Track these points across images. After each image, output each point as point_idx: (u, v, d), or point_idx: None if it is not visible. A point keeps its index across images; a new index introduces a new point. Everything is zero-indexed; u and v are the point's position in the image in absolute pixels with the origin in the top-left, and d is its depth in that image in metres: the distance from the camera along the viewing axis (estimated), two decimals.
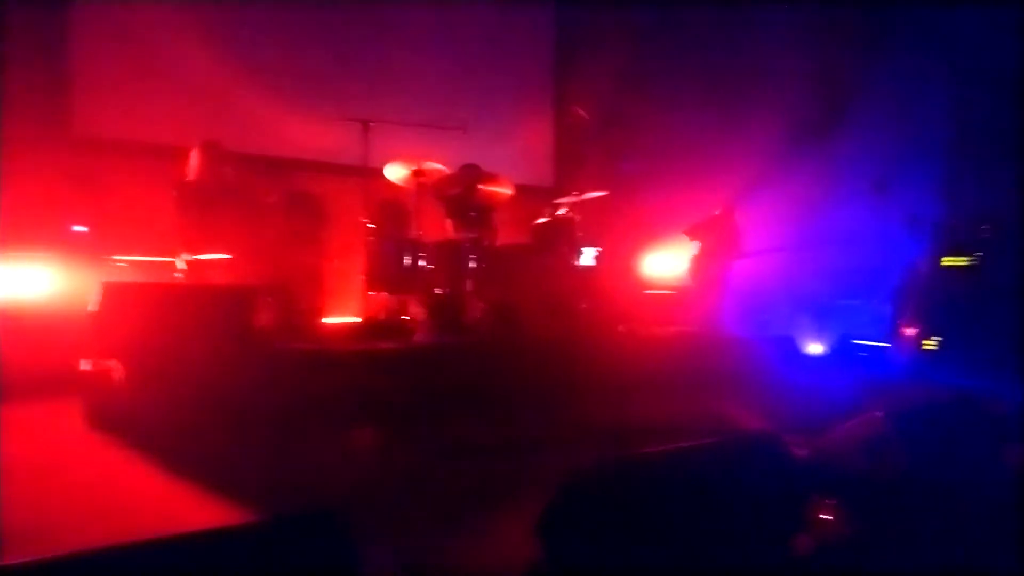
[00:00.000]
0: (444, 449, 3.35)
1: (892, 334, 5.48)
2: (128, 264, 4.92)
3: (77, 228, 5.03)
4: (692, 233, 6.50)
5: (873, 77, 6.71)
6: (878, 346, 5.75)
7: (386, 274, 4.92)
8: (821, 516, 1.89)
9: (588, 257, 5.81)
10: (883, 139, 6.53)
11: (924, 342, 5.27)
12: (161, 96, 5.66)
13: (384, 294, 5.10)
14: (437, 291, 4.95)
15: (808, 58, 6.99)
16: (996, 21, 5.65)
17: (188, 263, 4.34)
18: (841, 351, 5.97)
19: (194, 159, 4.53)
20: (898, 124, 6.47)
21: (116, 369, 3.44)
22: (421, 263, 4.92)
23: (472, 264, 4.92)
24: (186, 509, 2.53)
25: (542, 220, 5.73)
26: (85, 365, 3.54)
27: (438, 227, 5.52)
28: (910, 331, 5.27)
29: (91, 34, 5.48)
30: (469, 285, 4.90)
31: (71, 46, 5.41)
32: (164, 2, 5.61)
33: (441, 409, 3.89)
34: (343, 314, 5.44)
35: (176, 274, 4.40)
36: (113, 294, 3.55)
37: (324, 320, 5.22)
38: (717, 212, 6.43)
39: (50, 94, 5.29)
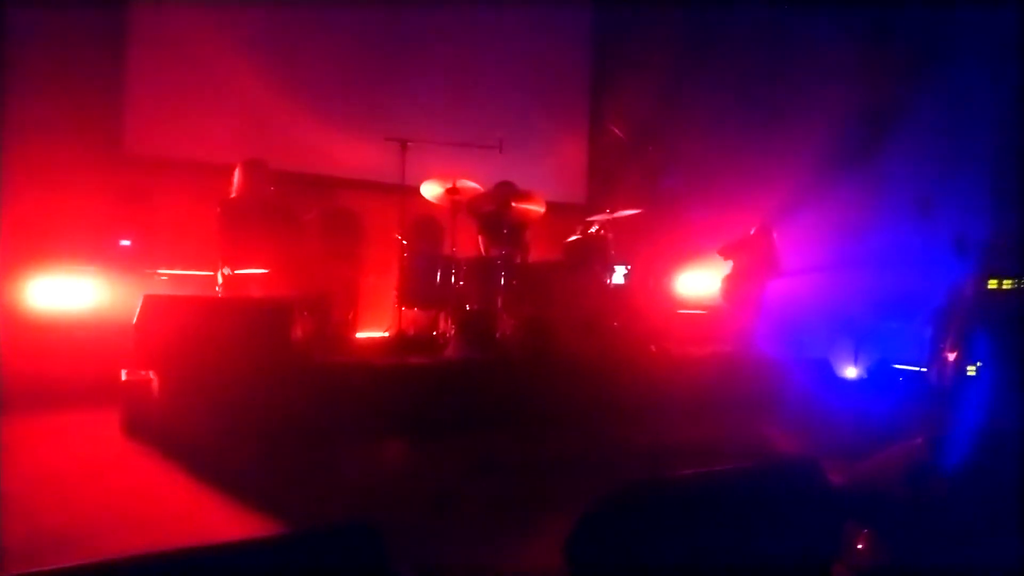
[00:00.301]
0: (473, 465, 3.35)
1: (933, 358, 5.32)
2: (170, 277, 5.06)
3: (123, 242, 5.20)
4: (725, 252, 6.42)
5: (918, 96, 6.59)
6: (918, 370, 5.58)
7: (418, 290, 4.97)
8: (857, 544, 1.83)
9: (620, 275, 5.78)
10: (928, 158, 6.39)
11: (966, 367, 5.09)
12: (208, 116, 5.86)
13: (416, 309, 5.15)
14: (468, 307, 4.98)
15: (851, 77, 6.89)
16: None
17: (227, 277, 4.44)
18: (879, 375, 5.81)
19: (238, 176, 4.66)
20: (943, 143, 6.32)
21: (153, 380, 3.53)
22: (453, 279, 4.96)
23: (503, 281, 4.94)
24: (219, 519, 2.57)
25: (574, 237, 5.73)
26: (124, 375, 3.65)
27: (471, 244, 5.57)
28: (952, 355, 5.10)
29: (144, 56, 5.71)
30: (500, 301, 4.91)
31: (125, 68, 5.64)
32: (213, 23, 5.81)
33: (470, 424, 3.90)
34: (376, 329, 5.50)
35: (216, 288, 4.52)
36: (153, 306, 3.65)
37: (357, 334, 5.28)
38: (752, 232, 6.34)
39: (103, 114, 5.51)
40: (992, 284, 5.35)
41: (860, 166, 6.97)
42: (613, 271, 5.67)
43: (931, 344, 5.40)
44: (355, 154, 6.30)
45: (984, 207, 5.99)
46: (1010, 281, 5.29)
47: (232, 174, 4.71)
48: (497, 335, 4.86)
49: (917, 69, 6.65)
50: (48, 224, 4.92)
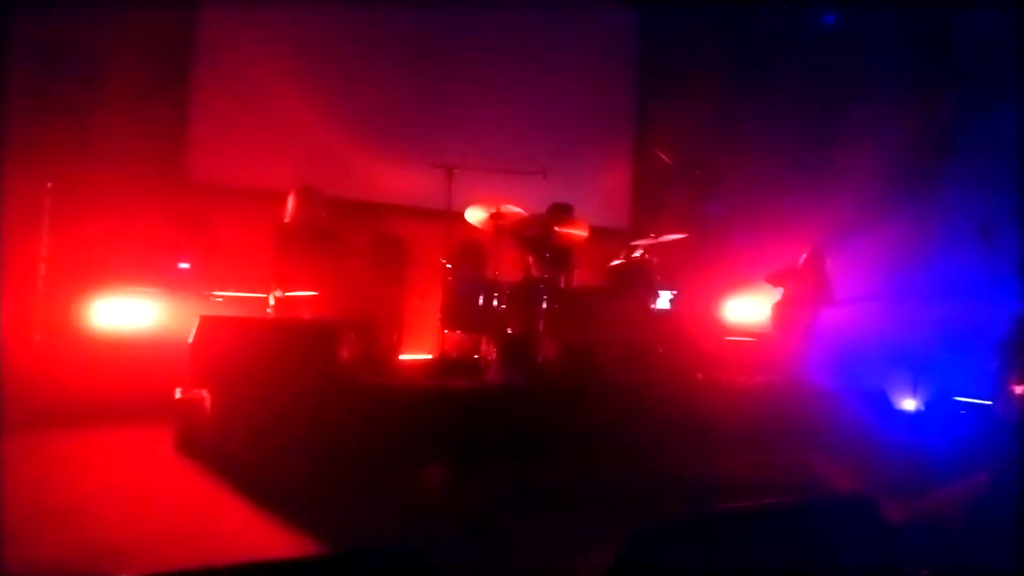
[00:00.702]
0: (513, 492, 3.33)
1: (998, 391, 5.05)
2: (225, 299, 5.24)
3: (182, 265, 5.42)
4: (773, 280, 6.28)
5: (978, 117, 6.37)
6: (981, 403, 5.31)
7: (461, 313, 5.00)
8: None
9: (665, 300, 5.71)
10: (990, 182, 6.15)
11: None
12: (265, 145, 6.10)
13: (459, 332, 5.18)
14: (509, 331, 4.99)
15: (908, 98, 6.72)
16: None
17: (278, 299, 4.57)
18: (940, 408, 5.55)
19: (291, 202, 4.82)
20: (1005, 166, 6.09)
21: (206, 398, 3.64)
22: (495, 303, 4.98)
23: (545, 305, 4.94)
24: (267, 537, 2.61)
25: (617, 262, 5.70)
26: (179, 393, 3.77)
27: (514, 268, 5.60)
28: (1019, 388, 4.84)
29: (207, 87, 6.00)
30: (542, 326, 4.91)
31: (190, 98, 5.93)
32: (271, 58, 6.08)
33: (511, 450, 3.88)
34: (419, 351, 5.56)
35: (267, 309, 4.65)
36: (208, 327, 3.77)
37: (401, 356, 5.35)
38: (802, 259, 6.20)
39: (168, 143, 5.80)
40: None
41: (918, 191, 6.75)
42: (657, 296, 5.61)
43: (996, 376, 5.14)
44: (402, 180, 6.44)
45: None
46: None
47: (286, 200, 4.87)
48: (539, 360, 4.84)
49: (977, 89, 6.45)
50: (112, 247, 5.18)
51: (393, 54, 6.72)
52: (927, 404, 5.69)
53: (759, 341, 6.40)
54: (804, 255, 6.21)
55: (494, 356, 4.88)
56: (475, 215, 5.20)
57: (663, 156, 6.69)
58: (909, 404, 5.77)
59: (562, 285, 5.29)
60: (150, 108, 5.60)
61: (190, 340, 3.72)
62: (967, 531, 1.90)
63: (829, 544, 1.63)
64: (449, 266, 5.15)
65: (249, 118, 6.04)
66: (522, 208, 5.17)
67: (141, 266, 5.21)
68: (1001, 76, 6.27)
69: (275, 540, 2.57)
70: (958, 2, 6.38)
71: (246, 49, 6.00)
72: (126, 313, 4.88)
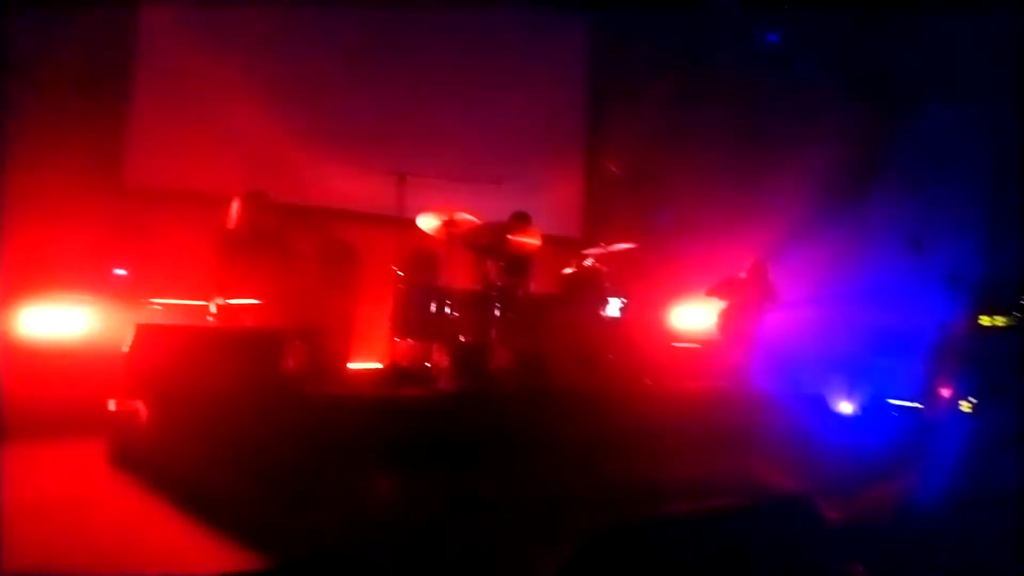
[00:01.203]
0: (463, 499, 3.30)
1: (927, 394, 5.31)
2: (164, 307, 5.05)
3: (118, 271, 5.20)
4: (715, 292, 6.45)
5: (912, 134, 6.70)
6: (912, 407, 5.57)
7: (412, 321, 4.96)
8: None
9: (614, 308, 5.79)
10: (921, 197, 6.48)
11: (960, 403, 5.09)
12: (207, 148, 5.92)
13: (409, 341, 5.13)
14: (462, 339, 4.97)
15: (844, 117, 7.02)
16: None
17: (220, 307, 4.44)
18: (874, 411, 5.79)
19: (236, 207, 4.69)
20: (937, 180, 6.42)
21: (142, 409, 3.50)
22: (447, 311, 4.96)
23: (498, 313, 4.94)
24: (207, 553, 2.52)
25: (569, 270, 5.75)
26: (112, 405, 3.61)
27: (467, 276, 5.59)
28: (945, 392, 5.10)
29: (147, 88, 5.80)
30: (494, 334, 4.91)
31: (129, 97, 5.72)
32: (217, 57, 5.92)
33: (461, 457, 3.85)
34: (369, 360, 5.48)
35: (208, 317, 4.50)
36: (145, 336, 3.63)
37: (350, 365, 5.26)
38: (743, 274, 6.39)
39: (105, 142, 5.58)
40: (984, 321, 5.37)
41: (854, 204, 7.05)
42: (607, 304, 5.68)
43: (925, 380, 5.40)
44: (353, 186, 6.36)
45: (976, 245, 6.05)
46: (1003, 318, 5.32)
47: (230, 204, 4.74)
48: (491, 367, 4.84)
49: (908, 109, 6.79)
50: (44, 252, 4.93)
51: (343, 58, 6.65)
52: (863, 407, 5.93)
53: (704, 348, 6.55)
54: (748, 264, 6.40)
55: (446, 364, 4.86)
56: (427, 222, 5.17)
57: (612, 168, 6.81)
58: (846, 407, 6.00)
59: (515, 293, 5.30)
60: (86, 108, 5.38)
61: (125, 349, 3.57)
62: (899, 527, 1.98)
63: (771, 543, 1.67)
64: (400, 273, 5.10)
65: (190, 120, 5.87)
66: (475, 216, 5.17)
67: (74, 272, 4.98)
68: (927, 96, 6.62)
69: (215, 555, 2.48)
70: (892, 24, 6.72)
71: (188, 49, 5.83)
72: (58, 321, 4.65)
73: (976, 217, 6.15)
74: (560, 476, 3.82)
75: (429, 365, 5.03)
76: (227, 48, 6.03)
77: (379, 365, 5.14)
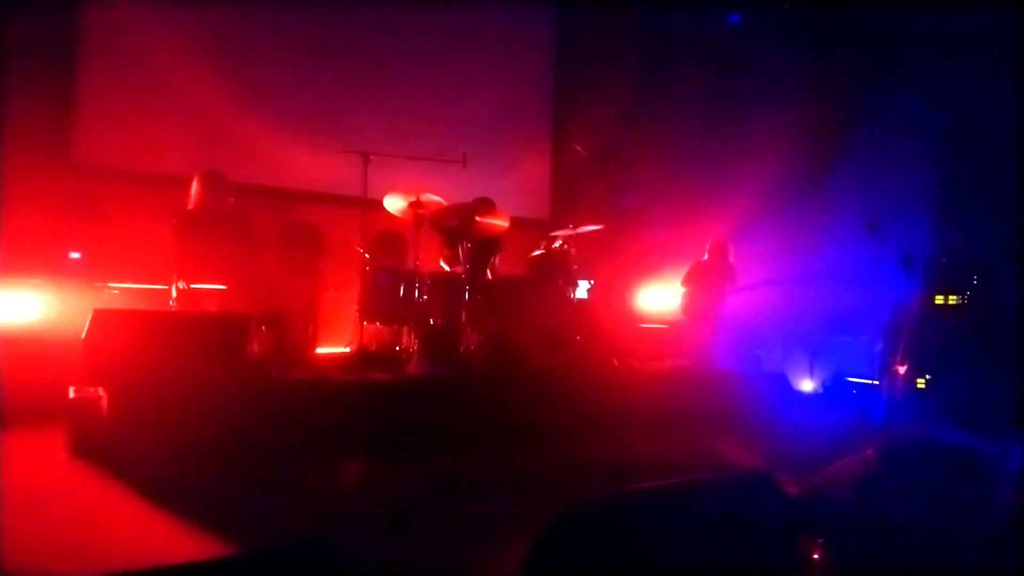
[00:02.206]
0: (434, 482, 3.32)
1: (883, 372, 5.50)
2: (121, 291, 4.92)
3: (72, 254, 5.04)
4: (687, 281, 6.57)
5: (868, 120, 6.85)
6: (869, 384, 5.76)
7: (380, 305, 4.92)
8: (812, 555, 1.87)
9: (583, 290, 5.83)
10: (877, 180, 6.64)
11: (915, 380, 5.28)
12: (163, 125, 5.73)
13: (378, 324, 5.10)
14: (432, 322, 4.95)
15: (803, 101, 7.14)
16: (989, 68, 5.80)
17: (182, 291, 4.34)
18: (834, 388, 5.98)
19: (195, 188, 4.57)
20: (892, 165, 6.58)
21: (102, 397, 3.41)
22: (416, 294, 4.93)
23: (467, 296, 4.93)
24: (172, 542, 2.49)
25: (538, 252, 5.76)
26: (72, 392, 3.52)
27: (435, 258, 5.56)
28: (901, 369, 5.28)
29: (96, 63, 5.57)
30: (464, 317, 4.90)
31: (76, 74, 5.49)
32: (168, 33, 5.71)
33: (432, 441, 3.86)
34: (336, 344, 5.43)
35: (170, 302, 4.40)
36: (103, 321, 3.53)
37: (317, 350, 5.20)
38: (705, 256, 6.51)
39: (53, 121, 5.35)
40: (939, 300, 5.56)
41: (813, 186, 7.21)
42: (576, 286, 5.72)
43: (882, 358, 5.59)
44: (315, 166, 6.23)
45: (929, 227, 6.24)
46: (955, 297, 5.51)
47: (189, 185, 4.61)
48: (461, 350, 4.84)
49: (865, 94, 6.93)
50: None
51: (303, 33, 6.48)
52: (823, 385, 6.10)
53: (671, 328, 6.66)
54: (708, 246, 6.52)
55: (416, 348, 4.84)
56: (394, 204, 5.11)
57: (579, 149, 6.82)
58: (807, 385, 6.17)
59: (483, 276, 5.29)
60: (30, 86, 5.14)
61: (83, 335, 3.47)
62: (856, 501, 2.06)
63: (732, 518, 1.72)
64: (367, 256, 5.04)
65: (143, 97, 5.66)
66: (442, 198, 5.13)
67: (26, 256, 4.80)
68: (884, 82, 6.77)
69: (180, 544, 2.45)
70: (850, 9, 6.82)
71: (140, 20, 5.61)
72: (10, 307, 4.50)
73: (929, 200, 6.34)
74: (530, 456, 3.86)
75: (399, 349, 5.01)
76: (181, 22, 5.82)
77: (347, 350, 5.09)
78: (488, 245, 5.37)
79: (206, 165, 4.78)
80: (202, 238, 4.44)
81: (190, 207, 4.56)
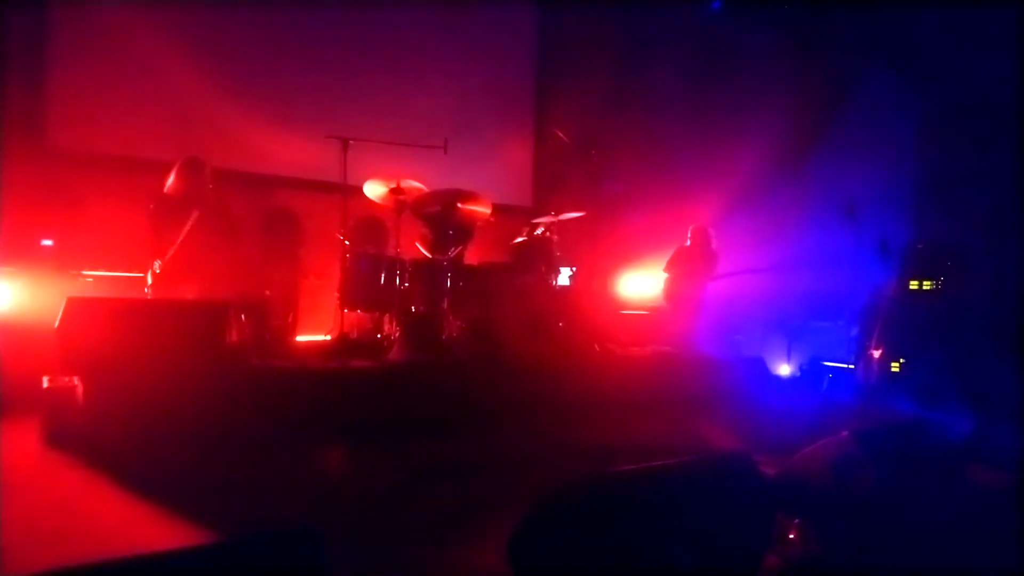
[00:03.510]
0: (417, 468, 3.32)
1: (859, 356, 5.59)
2: (95, 279, 4.83)
3: (45, 242, 4.93)
4: (669, 267, 6.61)
5: (847, 106, 6.91)
6: (845, 367, 5.85)
7: (361, 292, 4.89)
8: (789, 534, 1.90)
9: (565, 276, 5.83)
10: (855, 166, 6.71)
11: (889, 364, 5.38)
12: (137, 109, 5.61)
13: (359, 312, 5.06)
14: (413, 309, 4.94)
15: (781, 88, 7.18)
16: (967, 56, 5.87)
17: (157, 278, 4.27)
18: (810, 372, 6.07)
19: (174, 174, 4.49)
20: (870, 152, 6.65)
21: (78, 386, 3.36)
22: (398, 281, 4.90)
23: (449, 282, 4.92)
24: (151, 531, 2.46)
25: (520, 239, 5.76)
26: (46, 382, 3.46)
27: (416, 245, 5.52)
28: (876, 353, 5.38)
29: (68, 44, 5.43)
30: (446, 303, 4.89)
31: (46, 56, 5.35)
32: (144, 14, 5.58)
33: (415, 427, 3.86)
34: (317, 332, 5.39)
35: (145, 290, 4.33)
36: (77, 309, 3.47)
37: (298, 338, 5.16)
38: (687, 243, 6.55)
39: (23, 104, 5.21)
40: (913, 285, 5.66)
41: (792, 173, 7.26)
42: (558, 272, 5.73)
43: (857, 342, 5.68)
44: (294, 152, 6.15)
45: (905, 213, 6.33)
46: (930, 282, 5.61)
47: (167, 171, 4.53)
48: (443, 337, 4.83)
49: (843, 82, 6.98)
50: None
51: (282, 16, 6.36)
52: (800, 369, 6.19)
53: (652, 314, 6.71)
54: (690, 231, 6.56)
55: (398, 335, 4.82)
56: (374, 190, 5.07)
57: (561, 135, 6.80)
58: (785, 369, 6.26)
59: (465, 262, 5.28)
60: (1, 67, 5.00)
61: (56, 324, 3.40)
62: (832, 482, 2.10)
63: (711, 499, 1.75)
64: (347, 243, 5.00)
65: (118, 78, 5.53)
66: (423, 184, 5.09)
67: None
68: (861, 68, 6.83)
69: (158, 533, 2.43)
70: None
71: (117, 3, 5.47)
72: None
73: (905, 186, 6.43)
74: (513, 441, 3.88)
75: (381, 336, 4.99)
76: (157, 5, 5.69)
77: (328, 337, 5.06)
78: (466, 231, 5.34)
79: (183, 150, 4.69)
80: (180, 224, 4.37)
81: (168, 192, 4.48)
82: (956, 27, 5.90)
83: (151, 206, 4.40)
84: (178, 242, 4.30)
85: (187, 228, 4.30)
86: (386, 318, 5.03)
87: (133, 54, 5.54)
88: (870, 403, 5.18)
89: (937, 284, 5.55)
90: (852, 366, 5.71)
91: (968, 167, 5.93)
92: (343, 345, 4.75)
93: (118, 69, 5.54)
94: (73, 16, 5.43)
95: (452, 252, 5.13)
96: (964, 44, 5.87)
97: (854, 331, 5.76)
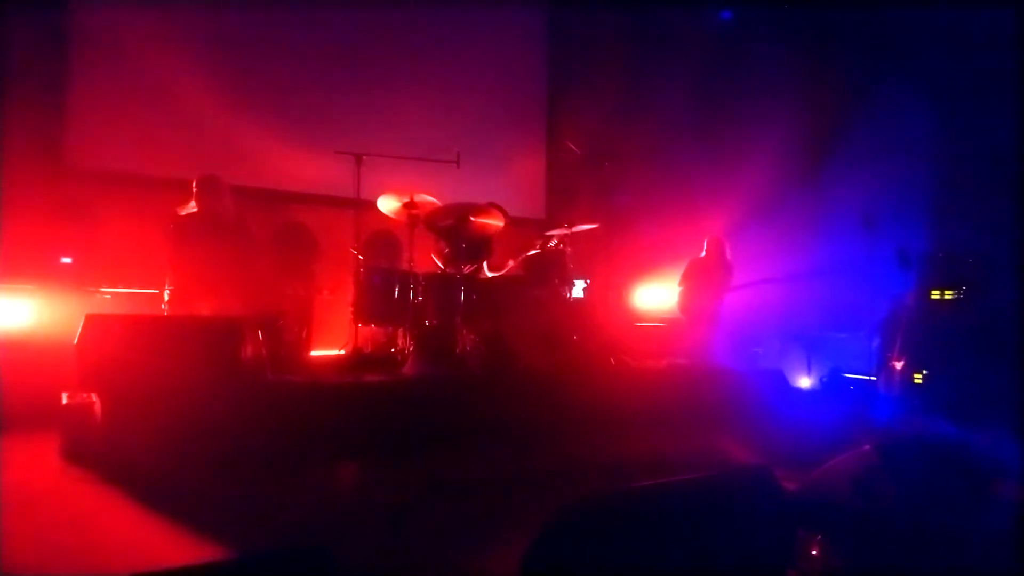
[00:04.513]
0: (431, 483, 3.30)
1: (880, 367, 5.49)
2: (113, 295, 4.88)
3: (63, 259, 5.00)
4: (684, 279, 6.56)
5: (863, 113, 6.85)
6: (867, 379, 5.75)
7: (374, 306, 4.89)
8: (810, 550, 1.86)
9: (579, 289, 5.81)
10: (872, 175, 6.64)
11: (912, 375, 5.27)
12: (154, 128, 5.70)
13: (372, 326, 5.07)
14: (427, 323, 4.93)
15: (797, 98, 7.14)
16: (986, 61, 5.80)
17: (174, 295, 4.31)
18: (831, 384, 5.97)
19: (194, 192, 4.54)
20: (887, 160, 6.58)
21: (96, 402, 3.39)
22: (411, 295, 4.91)
23: (463, 296, 4.91)
24: (166, 547, 2.46)
25: (533, 252, 5.75)
26: (65, 398, 3.49)
27: (429, 259, 5.54)
28: (898, 364, 5.28)
29: (85, 65, 5.54)
30: (459, 317, 4.88)
31: (67, 78, 5.45)
32: (159, 36, 5.68)
33: (429, 442, 3.84)
34: (331, 347, 5.40)
35: (162, 306, 4.37)
36: (95, 326, 3.51)
37: (312, 353, 5.18)
38: (703, 253, 6.50)
39: (43, 125, 5.31)
40: (935, 295, 5.56)
41: (808, 183, 7.20)
42: (572, 285, 5.70)
43: (878, 354, 5.58)
44: (308, 167, 6.21)
45: (925, 221, 6.24)
46: (952, 292, 5.51)
47: (182, 189, 4.58)
48: (457, 351, 4.82)
49: (858, 90, 6.93)
50: None
51: (295, 34, 6.46)
52: (820, 381, 6.10)
53: (667, 326, 6.65)
54: (705, 242, 6.51)
55: (411, 349, 4.81)
56: (388, 204, 5.09)
57: (573, 147, 6.81)
58: (804, 381, 6.16)
59: (477, 275, 5.27)
60: (20, 89, 5.10)
61: (75, 340, 3.44)
62: (854, 497, 2.05)
63: (731, 514, 1.71)
64: (361, 257, 5.02)
65: (136, 99, 5.63)
66: (436, 198, 5.11)
67: (17, 260, 4.77)
68: (878, 78, 6.77)
69: (175, 549, 2.43)
70: (846, 2, 6.83)
71: (131, 21, 5.58)
72: (2, 313, 4.46)
73: (925, 194, 6.34)
74: (527, 456, 3.84)
75: (395, 350, 4.99)
76: (172, 24, 5.79)
77: (341, 352, 5.06)
78: (480, 244, 5.35)
79: (198, 168, 4.75)
80: (197, 242, 4.41)
81: (188, 210, 4.53)
82: (976, 30, 5.84)
83: (171, 225, 4.45)
84: (197, 261, 4.34)
85: (205, 246, 4.34)
86: (400, 332, 5.04)
87: (148, 74, 5.64)
88: (893, 416, 5.08)
89: (960, 293, 5.45)
90: (874, 378, 5.61)
91: (987, 172, 5.84)
92: (357, 359, 4.76)
93: (134, 89, 5.64)
94: (93, 37, 5.54)
95: (470, 267, 5.13)
96: (985, 47, 5.80)
97: (875, 342, 5.66)
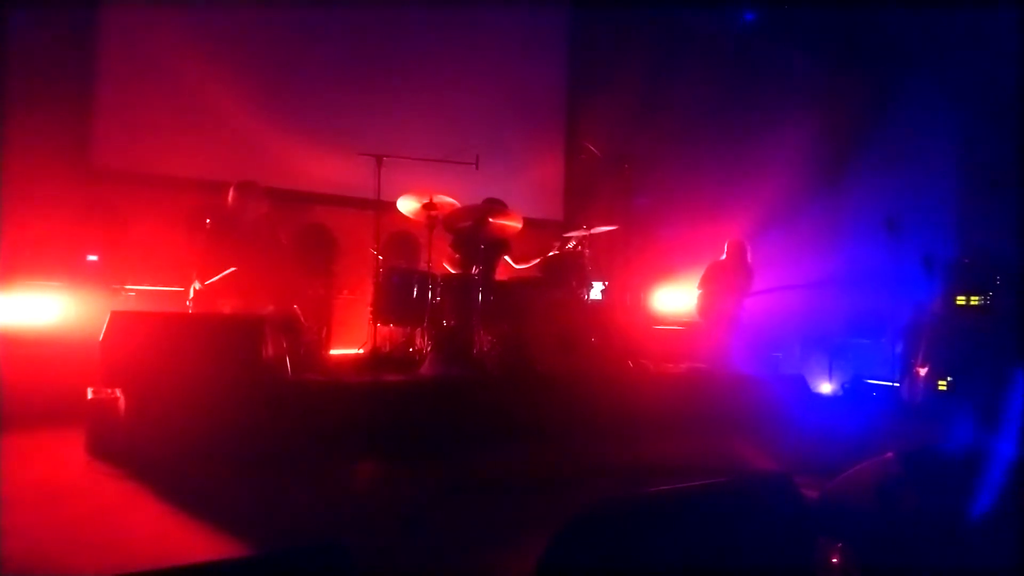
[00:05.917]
0: (448, 483, 3.31)
1: (904, 373, 5.41)
2: (138, 293, 4.97)
3: (90, 257, 5.10)
4: (703, 283, 6.51)
5: (886, 117, 6.76)
6: (889, 385, 5.67)
7: (393, 306, 4.92)
8: (831, 559, 1.83)
9: (597, 291, 5.79)
10: (895, 179, 6.55)
11: (936, 382, 5.19)
12: (179, 129, 5.78)
13: (391, 326, 5.10)
14: (445, 323, 4.95)
15: (820, 101, 7.07)
16: (1008, 64, 5.70)
17: (198, 293, 4.37)
18: (853, 390, 5.89)
19: (231, 196, 4.62)
20: (911, 164, 6.49)
21: (120, 398, 3.44)
22: (429, 295, 4.93)
23: (480, 297, 4.92)
24: (187, 542, 2.50)
25: (552, 253, 5.74)
26: (90, 394, 3.55)
27: (448, 260, 5.56)
28: (922, 371, 5.20)
29: (115, 67, 5.63)
30: (477, 318, 4.89)
31: (94, 77, 5.55)
32: (186, 37, 5.77)
33: (446, 443, 3.86)
34: (350, 346, 5.44)
35: (186, 304, 4.44)
36: (120, 323, 3.57)
37: (331, 352, 5.22)
38: (723, 256, 6.44)
39: (71, 124, 5.41)
40: (960, 300, 5.47)
41: (829, 187, 7.12)
42: (591, 287, 5.69)
43: (902, 360, 5.50)
44: (329, 169, 6.26)
45: (950, 226, 6.14)
46: (977, 297, 5.42)
47: (205, 189, 4.65)
48: (474, 352, 4.83)
49: (882, 91, 6.84)
50: (12, 238, 4.81)
51: (317, 38, 6.51)
52: (842, 387, 6.02)
53: (686, 329, 6.61)
54: (726, 245, 6.45)
55: (429, 349, 4.84)
56: (407, 205, 5.12)
57: (592, 149, 6.79)
58: (826, 387, 6.09)
59: (493, 277, 5.28)
60: (49, 89, 5.20)
61: (100, 337, 3.50)
62: (876, 505, 2.01)
63: (750, 522, 1.69)
64: (380, 258, 5.05)
65: (161, 100, 5.71)
66: (455, 199, 5.13)
67: (45, 259, 4.87)
68: (902, 82, 6.67)
69: (196, 545, 2.46)
70: (869, 5, 6.74)
71: (158, 23, 5.67)
72: (30, 309, 4.55)
73: (949, 199, 6.24)
74: (544, 458, 3.84)
75: (413, 350, 5.01)
76: (197, 26, 5.87)
77: (360, 351, 5.10)
78: (498, 246, 5.35)
79: (221, 169, 4.83)
80: (232, 244, 4.48)
81: (224, 213, 4.61)
82: (998, 34, 5.74)
83: (209, 224, 4.52)
84: (226, 262, 4.40)
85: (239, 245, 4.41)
86: (418, 332, 5.06)
87: (174, 74, 5.72)
88: (916, 422, 5.00)
89: (985, 299, 5.35)
90: (897, 384, 5.53)
91: (1014, 177, 5.73)
92: (375, 359, 4.79)
93: (160, 89, 5.72)
94: (120, 37, 5.63)
95: (486, 267, 5.14)
96: (1007, 51, 5.70)
97: (899, 348, 5.58)
